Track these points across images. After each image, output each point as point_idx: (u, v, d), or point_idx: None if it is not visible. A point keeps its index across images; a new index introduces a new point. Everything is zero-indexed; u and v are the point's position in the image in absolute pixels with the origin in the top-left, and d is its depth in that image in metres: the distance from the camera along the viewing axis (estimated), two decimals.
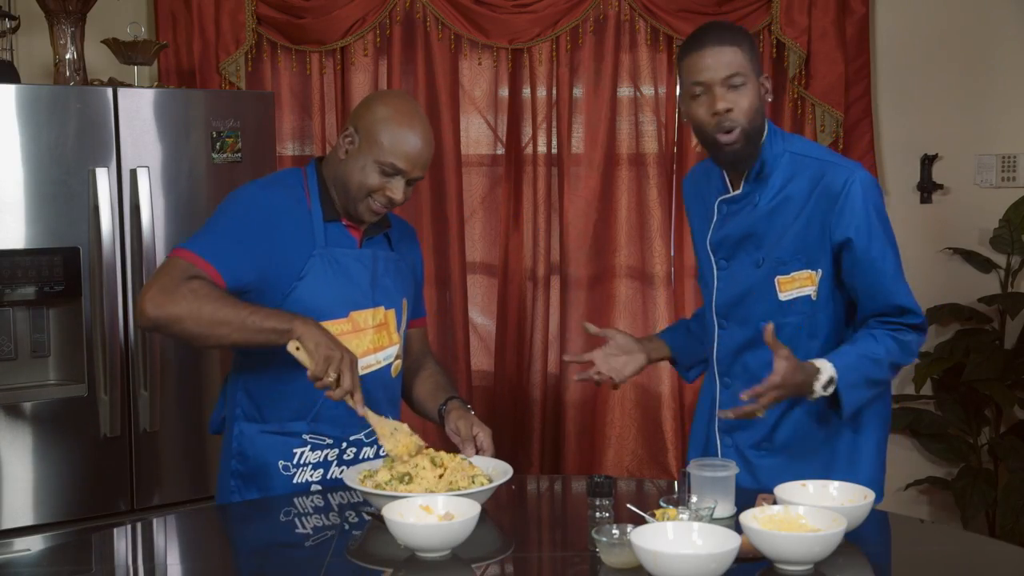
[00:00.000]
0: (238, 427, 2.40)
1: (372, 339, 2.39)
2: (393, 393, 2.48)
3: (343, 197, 2.37)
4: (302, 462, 2.38)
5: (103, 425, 3.10)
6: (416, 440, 2.23)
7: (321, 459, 2.39)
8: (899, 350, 2.31)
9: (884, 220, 2.31)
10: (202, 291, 2.18)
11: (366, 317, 2.38)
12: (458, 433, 2.38)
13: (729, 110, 2.26)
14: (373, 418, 2.24)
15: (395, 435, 2.23)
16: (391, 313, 2.44)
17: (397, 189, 2.33)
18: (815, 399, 2.28)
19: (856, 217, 2.26)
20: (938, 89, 4.14)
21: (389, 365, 2.44)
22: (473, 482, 2.14)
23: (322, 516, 2.26)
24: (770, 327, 2.22)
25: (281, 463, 2.37)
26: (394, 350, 2.45)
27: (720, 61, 2.25)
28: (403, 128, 2.32)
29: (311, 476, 2.38)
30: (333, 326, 2.31)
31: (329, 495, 2.34)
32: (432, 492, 2.10)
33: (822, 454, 2.37)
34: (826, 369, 2.26)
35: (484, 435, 2.37)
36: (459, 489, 2.11)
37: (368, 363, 2.38)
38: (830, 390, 2.27)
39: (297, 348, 2.15)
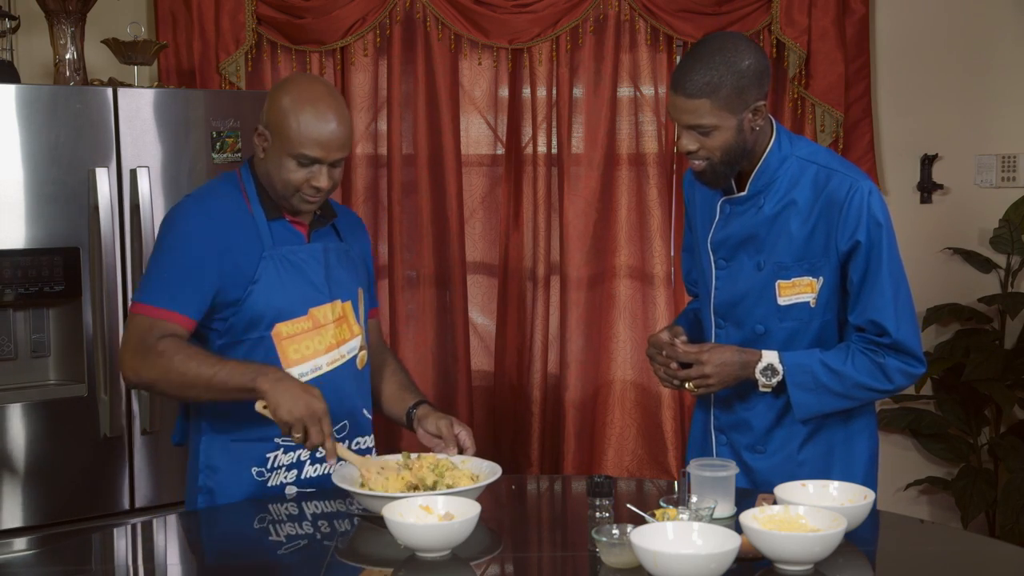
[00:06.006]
0: (205, 440, 2.35)
1: (334, 334, 2.37)
2: (363, 386, 2.46)
3: (275, 195, 2.33)
4: (276, 465, 2.35)
5: (103, 425, 3.10)
6: (406, 477, 2.16)
7: (294, 460, 2.37)
8: (873, 370, 2.29)
9: (890, 234, 2.28)
10: (170, 352, 2.20)
11: (325, 312, 2.36)
12: (439, 434, 2.36)
13: (692, 151, 2.27)
14: (354, 459, 2.22)
15: (383, 474, 2.17)
16: (348, 305, 2.41)
17: (321, 178, 2.27)
18: (764, 388, 2.32)
19: (861, 223, 2.25)
20: (938, 89, 4.14)
21: (354, 357, 2.42)
22: (449, 478, 2.15)
23: (321, 517, 2.26)
24: (680, 342, 2.35)
25: (255, 469, 2.33)
26: (357, 342, 2.43)
27: (685, 110, 2.24)
28: (306, 114, 2.23)
29: (285, 478, 2.36)
30: (294, 324, 2.30)
31: (327, 496, 2.34)
32: (414, 489, 2.11)
33: (816, 462, 2.37)
34: (767, 356, 2.30)
35: (466, 434, 2.36)
36: (442, 485, 2.12)
37: (333, 358, 2.36)
38: (774, 380, 2.30)
39: (264, 407, 2.16)
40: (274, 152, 2.28)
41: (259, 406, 2.16)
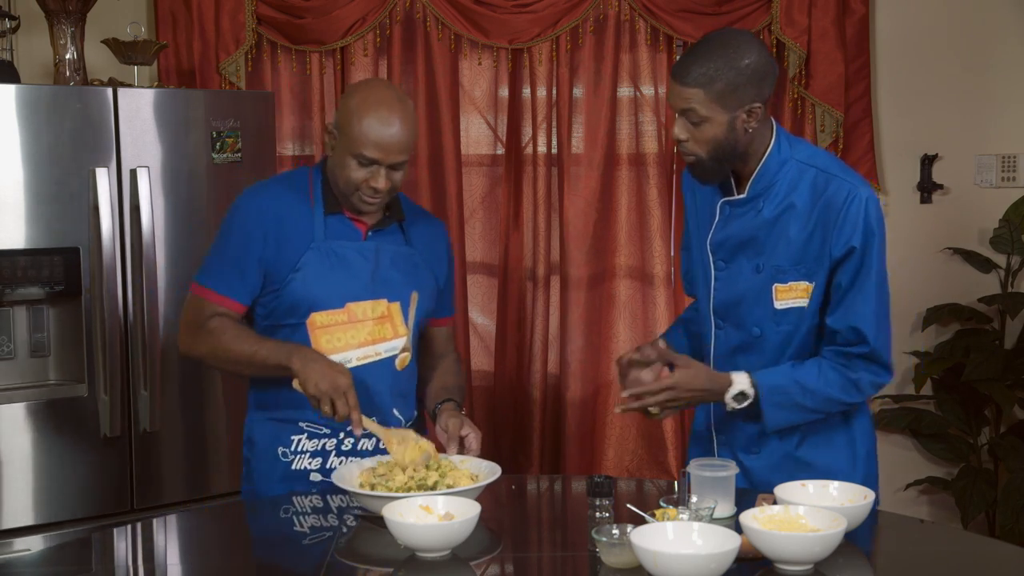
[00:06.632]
0: (249, 415, 2.50)
1: (371, 331, 2.41)
2: (400, 386, 2.49)
3: (338, 193, 2.41)
4: (299, 449, 2.43)
5: (103, 425, 3.10)
6: (424, 447, 2.24)
7: (319, 448, 2.43)
8: (846, 385, 2.29)
9: (881, 242, 2.28)
10: (219, 331, 2.38)
11: (365, 309, 2.41)
12: (446, 431, 2.39)
13: (681, 140, 2.28)
14: (378, 430, 2.30)
15: (403, 444, 2.25)
16: (395, 306, 2.44)
17: (380, 179, 2.33)
18: (731, 410, 2.31)
19: (856, 230, 2.25)
20: (938, 89, 4.14)
21: (393, 357, 2.44)
22: (443, 479, 2.16)
23: (322, 516, 2.26)
24: (661, 343, 2.36)
25: (280, 449, 2.43)
26: (399, 343, 2.45)
27: (679, 96, 2.25)
28: (370, 117, 2.31)
29: (309, 464, 2.43)
30: (329, 315, 2.38)
31: (329, 495, 2.34)
32: (408, 489, 2.12)
33: (813, 461, 2.36)
34: (739, 382, 2.29)
35: (474, 436, 2.38)
36: (429, 485, 2.14)
37: (365, 354, 2.41)
38: (744, 403, 2.30)
39: (298, 384, 2.28)
40: (339, 151, 2.37)
41: (295, 383, 2.28)
